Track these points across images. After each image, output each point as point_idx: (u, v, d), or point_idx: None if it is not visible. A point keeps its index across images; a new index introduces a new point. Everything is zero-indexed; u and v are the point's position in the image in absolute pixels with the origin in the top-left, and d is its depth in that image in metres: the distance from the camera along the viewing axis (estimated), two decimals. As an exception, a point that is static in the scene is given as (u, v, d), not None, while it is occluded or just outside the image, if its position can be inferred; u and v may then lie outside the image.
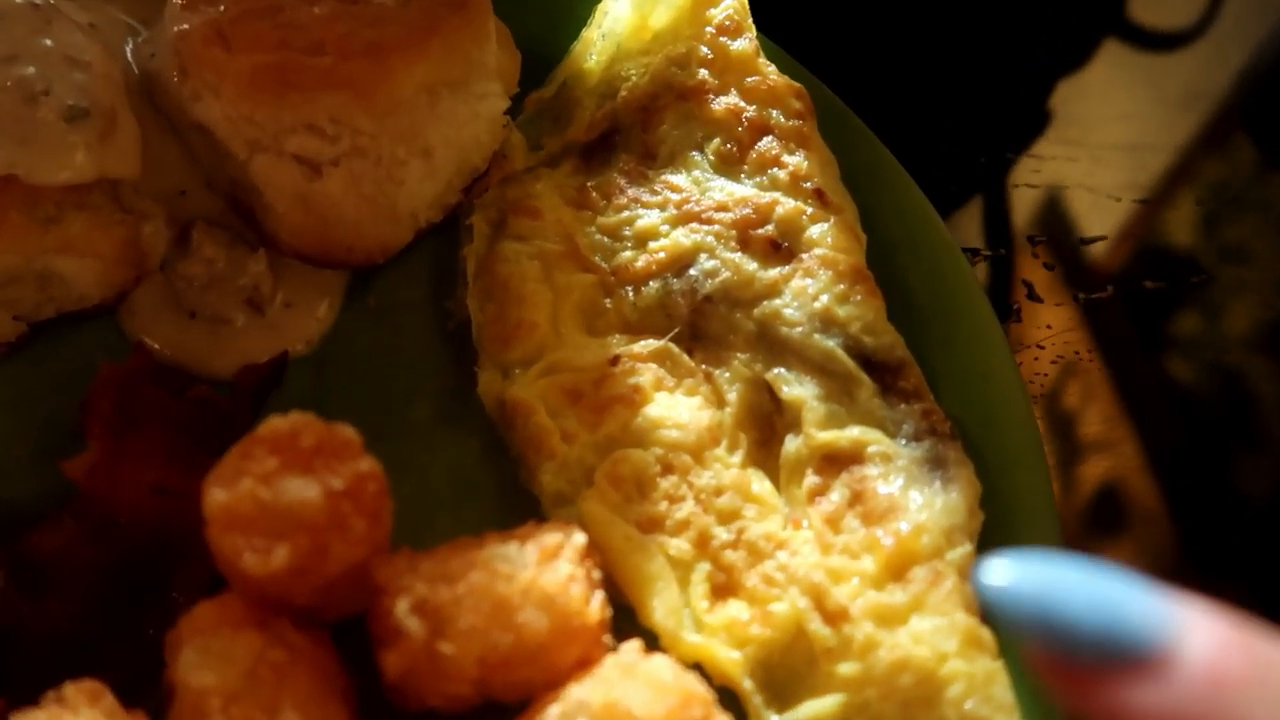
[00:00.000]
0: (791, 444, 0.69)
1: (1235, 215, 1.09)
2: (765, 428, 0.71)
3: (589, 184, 0.78)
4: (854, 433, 0.68)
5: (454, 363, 0.75)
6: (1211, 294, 1.03)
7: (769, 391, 0.71)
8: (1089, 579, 0.33)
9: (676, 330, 0.73)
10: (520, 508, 0.68)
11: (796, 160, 0.77)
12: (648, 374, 0.71)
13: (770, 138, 0.78)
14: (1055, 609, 0.32)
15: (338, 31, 0.71)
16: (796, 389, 0.70)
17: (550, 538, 0.60)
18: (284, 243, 0.75)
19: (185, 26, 0.71)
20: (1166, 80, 1.18)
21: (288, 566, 0.55)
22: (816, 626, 0.62)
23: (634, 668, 0.56)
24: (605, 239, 0.76)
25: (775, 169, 0.77)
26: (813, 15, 1.09)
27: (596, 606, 0.58)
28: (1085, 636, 0.32)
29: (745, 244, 0.74)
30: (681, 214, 0.76)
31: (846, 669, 0.61)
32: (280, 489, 0.55)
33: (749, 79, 0.80)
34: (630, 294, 0.74)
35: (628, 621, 0.63)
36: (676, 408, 0.70)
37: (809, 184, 0.76)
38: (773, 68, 0.81)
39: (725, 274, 0.73)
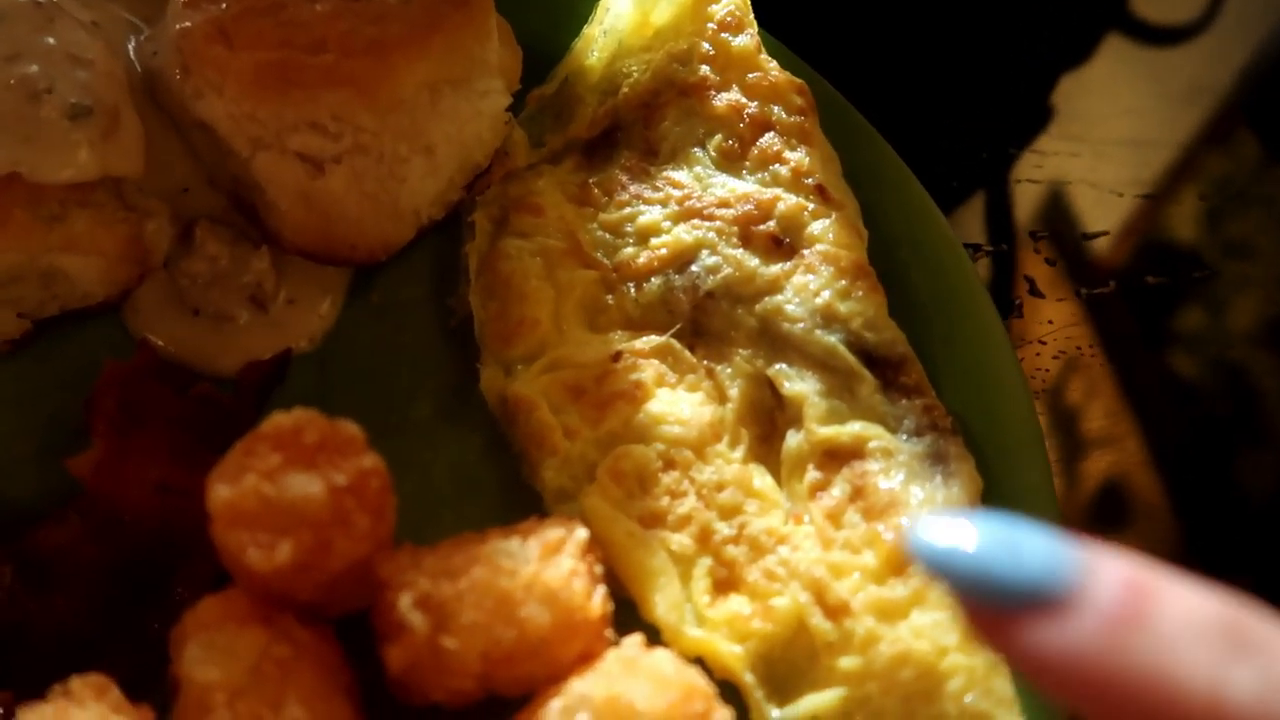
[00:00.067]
0: (793, 439, 0.69)
1: (1239, 210, 1.09)
2: (767, 423, 0.71)
3: (591, 181, 0.78)
4: (855, 428, 0.68)
5: (456, 360, 0.76)
6: (1215, 289, 1.03)
7: (770, 387, 0.71)
8: (1001, 531, 0.35)
9: (678, 326, 0.73)
10: (522, 504, 0.68)
11: (798, 156, 0.77)
12: (649, 370, 0.71)
13: (772, 134, 0.78)
14: (971, 560, 0.34)
15: (340, 29, 0.71)
16: (798, 385, 0.70)
17: (552, 533, 0.60)
18: (287, 240, 0.75)
19: (187, 24, 0.71)
20: (1169, 75, 1.18)
21: (291, 562, 0.55)
22: (818, 621, 0.62)
23: (636, 662, 0.57)
24: (607, 235, 0.76)
25: (777, 165, 0.77)
26: (814, 11, 1.09)
27: (598, 601, 0.59)
28: (997, 583, 0.34)
29: (747, 240, 0.74)
30: (683, 210, 0.76)
31: (847, 663, 0.61)
32: (284, 485, 0.56)
33: (750, 75, 0.80)
34: (632, 290, 0.75)
35: (629, 616, 0.64)
36: (678, 403, 0.70)
37: (810, 180, 0.76)
38: (774, 64, 0.81)
39: (727, 270, 0.73)
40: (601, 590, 0.60)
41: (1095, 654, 0.32)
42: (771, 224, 0.75)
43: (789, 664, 0.63)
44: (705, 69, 0.80)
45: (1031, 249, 1.02)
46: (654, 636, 0.62)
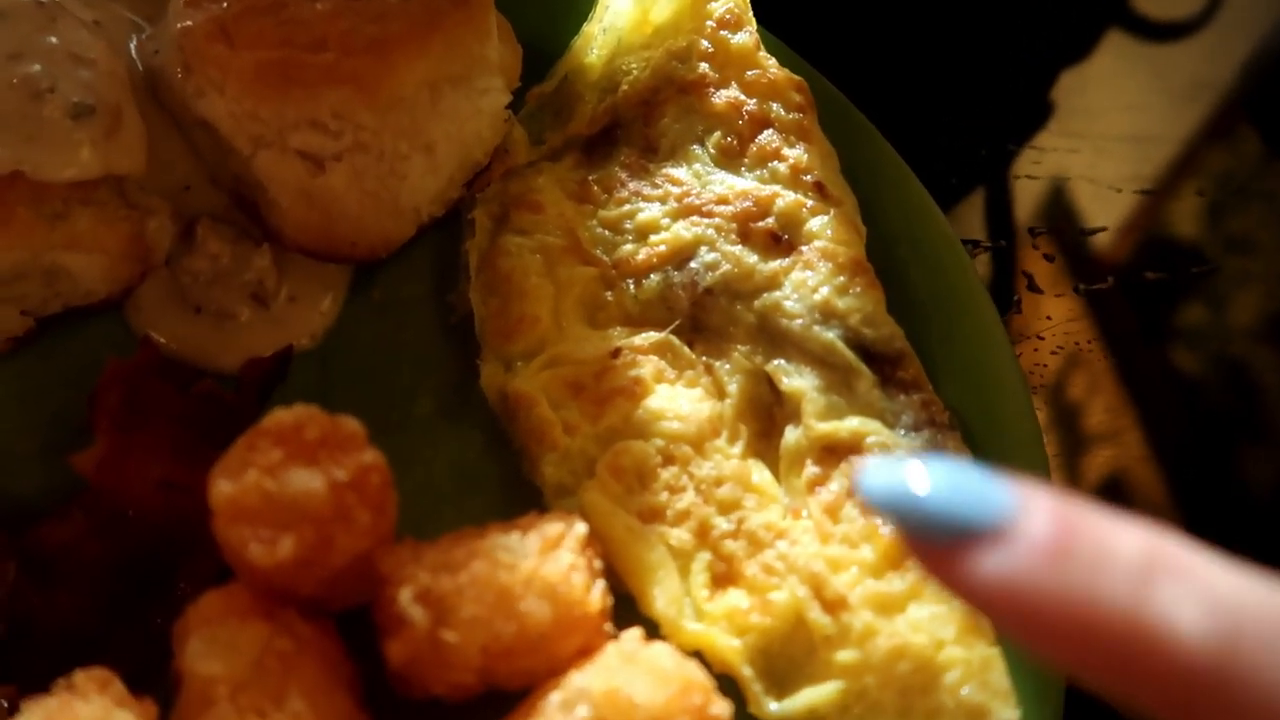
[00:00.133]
0: (791, 435, 0.69)
1: (1240, 206, 1.09)
2: (765, 419, 0.71)
3: (590, 178, 0.79)
4: (853, 423, 0.68)
5: (457, 356, 0.76)
6: (1216, 285, 1.03)
7: (769, 383, 0.72)
8: (941, 470, 0.37)
9: (677, 323, 0.73)
10: (523, 500, 0.69)
11: (797, 153, 0.77)
12: (649, 366, 0.71)
13: (771, 131, 0.78)
14: (914, 497, 0.37)
15: (340, 28, 0.71)
16: (796, 380, 0.71)
17: (552, 528, 0.60)
18: (288, 238, 0.75)
19: (189, 23, 0.71)
20: (1170, 71, 1.18)
21: (293, 557, 0.55)
22: (816, 615, 0.63)
23: (635, 655, 0.57)
24: (606, 232, 0.77)
25: (775, 162, 0.77)
26: (813, 9, 1.09)
27: (598, 595, 0.59)
28: (938, 518, 0.36)
29: (746, 237, 0.75)
30: (682, 207, 0.76)
31: (845, 656, 0.62)
32: (285, 480, 0.56)
33: (749, 73, 0.80)
34: (631, 287, 0.75)
35: (629, 610, 0.64)
36: (677, 399, 0.70)
37: (809, 177, 0.76)
38: (773, 61, 0.81)
39: (726, 266, 0.74)
40: (601, 585, 0.60)
41: (1026, 581, 0.34)
42: (770, 221, 0.75)
43: (787, 658, 0.64)
44: (704, 66, 0.80)
45: (1030, 245, 1.02)
46: (653, 631, 0.62)
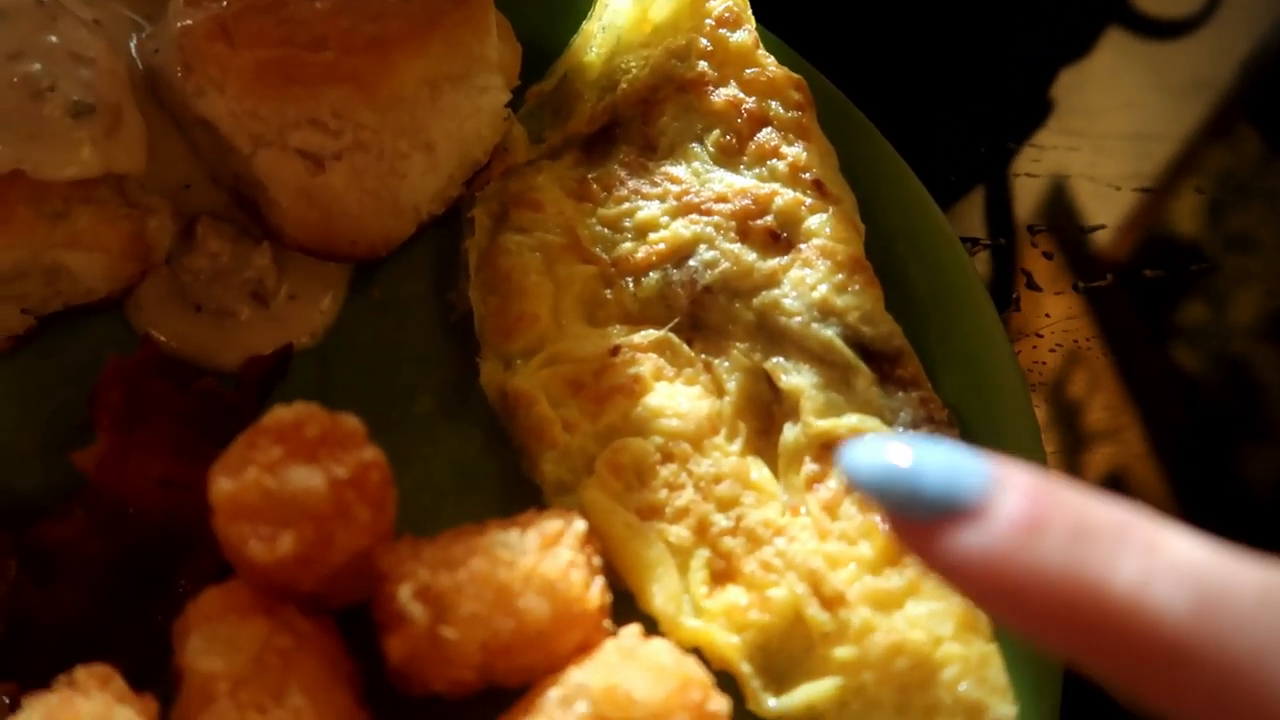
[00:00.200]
0: (790, 432, 0.70)
1: (1240, 204, 1.09)
2: (764, 416, 0.71)
3: (590, 176, 0.79)
4: (851, 420, 0.68)
5: (457, 355, 0.76)
6: (1217, 283, 1.03)
7: (768, 380, 0.72)
8: (920, 449, 0.38)
9: (676, 320, 0.73)
10: (522, 498, 0.69)
11: (795, 151, 0.77)
12: (648, 364, 0.71)
13: (769, 129, 0.78)
14: (895, 475, 0.38)
15: (340, 26, 0.71)
16: (795, 378, 0.71)
17: (551, 525, 0.60)
18: (288, 236, 0.76)
19: (189, 22, 0.72)
20: (1170, 69, 1.18)
21: (293, 554, 0.56)
22: (814, 611, 0.63)
23: (633, 652, 0.57)
24: (606, 230, 0.77)
25: (774, 160, 0.77)
26: (812, 7, 1.09)
27: (597, 592, 0.59)
28: (917, 495, 0.37)
29: (744, 235, 0.75)
30: (681, 205, 0.76)
31: (843, 653, 0.62)
32: (285, 478, 0.56)
33: (748, 71, 0.80)
34: (630, 285, 0.75)
35: (628, 607, 0.64)
36: (676, 397, 0.70)
37: (808, 175, 0.76)
38: (772, 59, 0.81)
39: (724, 264, 0.74)
40: (600, 581, 0.60)
41: (999, 556, 0.35)
42: (769, 219, 0.75)
43: (785, 654, 0.64)
44: (703, 65, 0.80)
45: (1029, 243, 1.02)
46: (652, 627, 0.63)
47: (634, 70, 0.81)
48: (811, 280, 0.73)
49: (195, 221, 0.75)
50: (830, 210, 0.75)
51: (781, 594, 0.64)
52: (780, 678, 0.64)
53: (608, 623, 0.60)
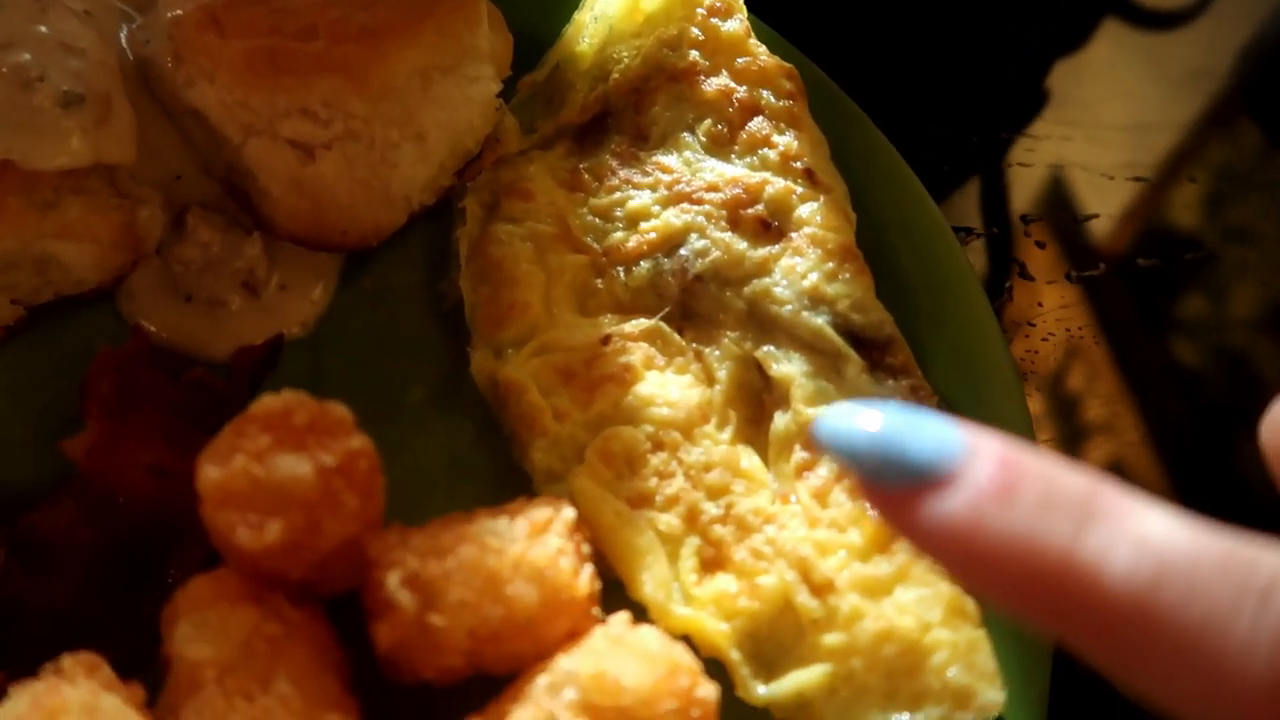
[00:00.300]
0: (780, 420, 0.69)
1: (1239, 196, 1.09)
2: (755, 405, 0.71)
3: (581, 166, 0.79)
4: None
5: (449, 344, 0.76)
6: (1215, 275, 1.03)
7: (758, 369, 0.72)
8: (894, 415, 0.39)
9: (667, 309, 0.73)
10: (513, 487, 0.69)
11: (787, 140, 0.77)
12: (639, 353, 0.71)
13: (761, 118, 0.78)
14: (868, 441, 0.38)
15: (330, 16, 0.71)
16: (785, 366, 0.71)
17: (540, 512, 0.60)
18: (279, 226, 0.76)
19: (179, 12, 0.72)
20: (1167, 60, 1.17)
21: (281, 542, 0.56)
22: (803, 598, 0.63)
23: (622, 639, 0.57)
24: (597, 220, 0.77)
25: (765, 149, 0.77)
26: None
27: (585, 580, 0.59)
28: (890, 462, 0.37)
29: (735, 223, 0.75)
30: (672, 194, 0.76)
31: (832, 639, 0.62)
32: (273, 465, 0.56)
33: (740, 60, 0.80)
34: (622, 274, 0.75)
35: (618, 595, 0.64)
36: (667, 386, 0.70)
37: (799, 163, 0.76)
38: (763, 48, 0.81)
39: (715, 253, 0.74)
40: (589, 569, 0.60)
41: (970, 523, 0.35)
42: (760, 207, 0.75)
43: (775, 641, 0.64)
44: (695, 54, 0.80)
45: (1022, 232, 1.02)
46: (641, 616, 0.62)
47: (626, 60, 0.81)
48: (802, 268, 0.73)
49: (186, 212, 0.75)
50: (821, 199, 0.75)
51: (771, 581, 0.64)
52: (770, 665, 0.64)
53: (597, 610, 0.60)
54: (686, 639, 0.62)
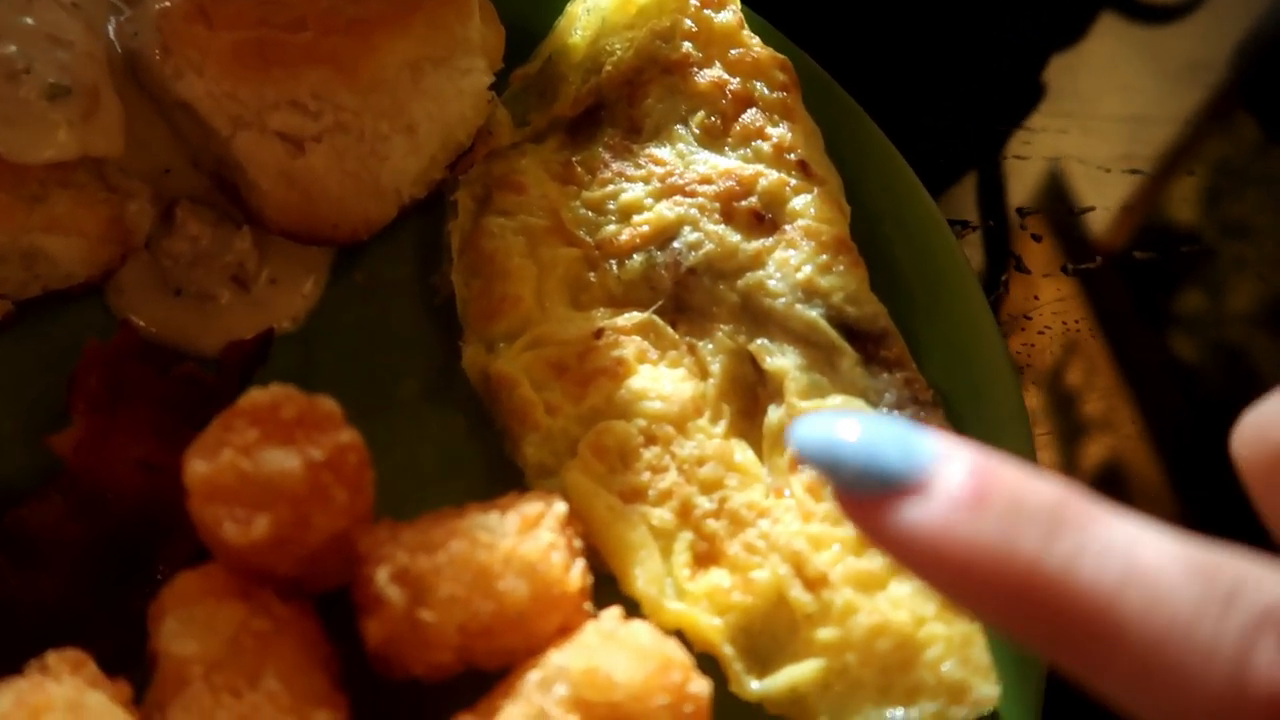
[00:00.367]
0: (774, 414, 0.69)
1: (1237, 190, 1.08)
2: (748, 398, 0.71)
3: (574, 159, 0.78)
4: (835, 402, 0.68)
5: (440, 339, 0.76)
6: (1213, 270, 1.03)
7: (752, 362, 0.71)
8: (866, 424, 0.39)
9: (660, 303, 0.73)
10: (506, 481, 0.68)
11: (780, 132, 0.77)
12: (631, 346, 0.71)
13: (754, 110, 0.78)
14: (841, 449, 0.38)
15: (320, 7, 0.71)
16: (779, 359, 0.70)
17: (531, 507, 0.60)
18: (269, 220, 0.75)
19: (167, 4, 0.71)
20: (1164, 53, 1.17)
21: (269, 537, 0.55)
22: (797, 593, 0.62)
23: (614, 634, 0.57)
24: (590, 213, 0.76)
25: (759, 141, 0.77)
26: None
27: (577, 574, 0.59)
28: (861, 470, 0.38)
29: (729, 216, 0.74)
30: (665, 187, 0.76)
31: (826, 634, 0.61)
32: (261, 460, 0.55)
33: (733, 51, 0.80)
34: (614, 267, 0.74)
35: (610, 591, 0.64)
36: (660, 379, 0.70)
37: (793, 156, 0.76)
38: (757, 40, 0.80)
39: (709, 246, 0.73)
40: (580, 564, 0.60)
41: (940, 531, 0.36)
42: (753, 200, 0.74)
43: (769, 636, 0.64)
44: (688, 46, 0.80)
45: (1018, 225, 1.01)
46: (634, 611, 0.62)
47: (619, 52, 0.81)
48: (796, 261, 0.72)
49: (175, 205, 0.75)
50: (815, 191, 0.75)
51: (764, 576, 0.63)
52: (763, 660, 0.63)
53: (589, 605, 0.60)
54: (679, 634, 0.61)
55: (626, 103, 0.80)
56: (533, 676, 0.56)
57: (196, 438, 0.57)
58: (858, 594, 0.62)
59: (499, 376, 0.71)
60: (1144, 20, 1.20)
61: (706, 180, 0.75)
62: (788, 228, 0.73)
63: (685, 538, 0.65)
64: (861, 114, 0.82)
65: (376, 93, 0.72)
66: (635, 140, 0.79)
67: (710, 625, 0.62)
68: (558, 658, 0.56)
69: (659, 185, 0.76)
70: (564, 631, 0.58)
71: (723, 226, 0.74)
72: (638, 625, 0.57)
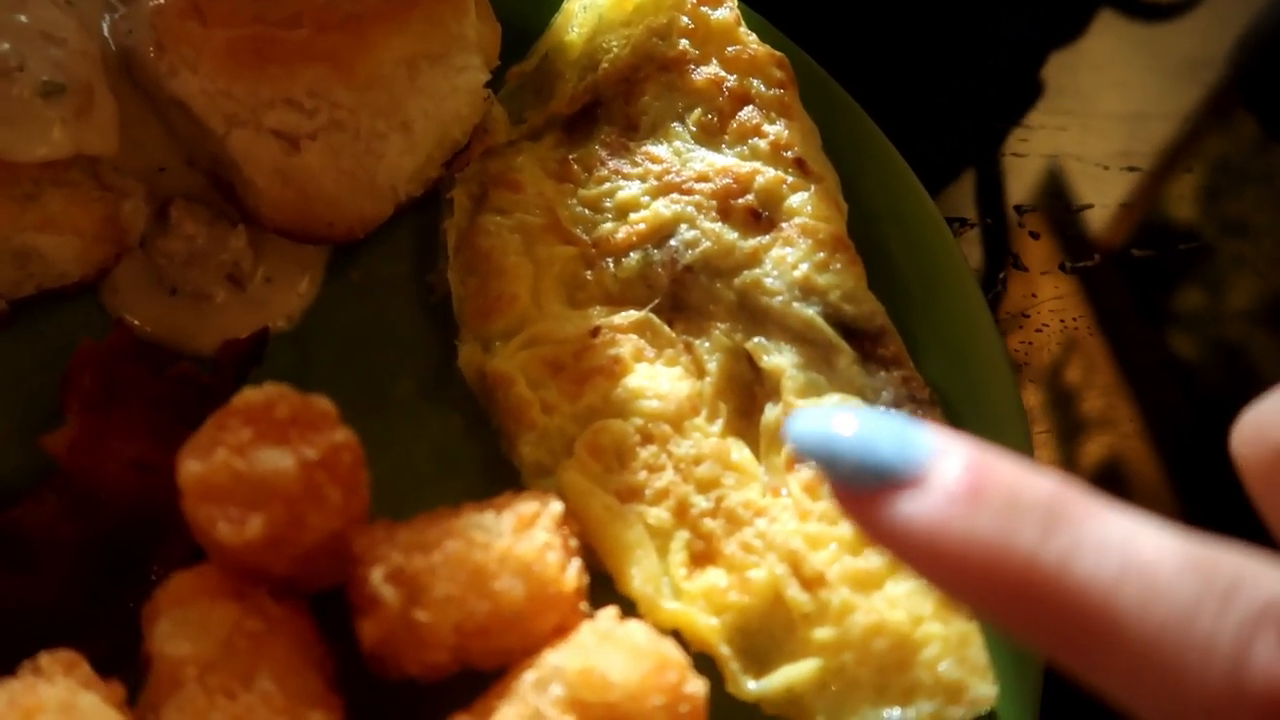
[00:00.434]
0: (771, 412, 0.69)
1: (1236, 188, 1.08)
2: (745, 397, 0.71)
3: (570, 156, 0.78)
4: (833, 400, 0.68)
5: (437, 337, 0.75)
6: (1211, 267, 1.02)
7: (749, 361, 0.71)
8: (863, 418, 0.39)
9: (657, 301, 0.73)
10: (502, 481, 0.68)
11: (777, 129, 0.76)
12: (628, 345, 0.71)
13: (751, 107, 0.77)
14: (837, 443, 0.38)
15: (315, 4, 0.70)
16: (776, 358, 0.70)
17: (526, 506, 0.60)
18: (265, 218, 0.75)
19: (161, 1, 0.71)
20: (1163, 50, 1.17)
21: (263, 536, 0.55)
22: (794, 592, 0.62)
23: (610, 634, 0.56)
24: (586, 211, 0.76)
25: (756, 138, 0.76)
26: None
27: (573, 574, 0.58)
28: (858, 464, 0.38)
29: (725, 214, 0.74)
30: (662, 185, 0.75)
31: (823, 634, 0.61)
32: (255, 459, 0.55)
33: (730, 49, 0.79)
34: (611, 265, 0.74)
35: (607, 590, 0.63)
36: (656, 378, 0.70)
37: (790, 153, 0.76)
38: (754, 37, 0.80)
39: (705, 244, 0.73)
40: (576, 563, 0.59)
41: (936, 525, 0.35)
42: (750, 197, 0.74)
43: (766, 636, 0.63)
44: (685, 43, 0.80)
45: (1016, 223, 1.01)
46: (630, 611, 0.62)
47: (615, 49, 0.80)
48: (793, 259, 0.72)
49: (170, 204, 0.74)
50: (812, 188, 0.75)
51: (761, 575, 0.63)
52: (760, 659, 0.63)
53: (584, 605, 0.60)
54: (676, 634, 0.61)
55: (623, 100, 0.80)
56: (528, 676, 0.55)
57: (190, 437, 0.57)
58: (855, 593, 0.61)
59: (495, 375, 0.70)
60: (1143, 17, 1.19)
61: (703, 178, 0.75)
62: (785, 225, 0.73)
63: (682, 537, 0.65)
64: (859, 111, 0.82)
65: (372, 90, 0.72)
66: (632, 138, 0.78)
67: (707, 625, 0.62)
68: (553, 658, 0.56)
69: (656, 183, 0.75)
70: (560, 631, 0.58)
71: (720, 224, 0.74)
72: (634, 625, 0.57)
